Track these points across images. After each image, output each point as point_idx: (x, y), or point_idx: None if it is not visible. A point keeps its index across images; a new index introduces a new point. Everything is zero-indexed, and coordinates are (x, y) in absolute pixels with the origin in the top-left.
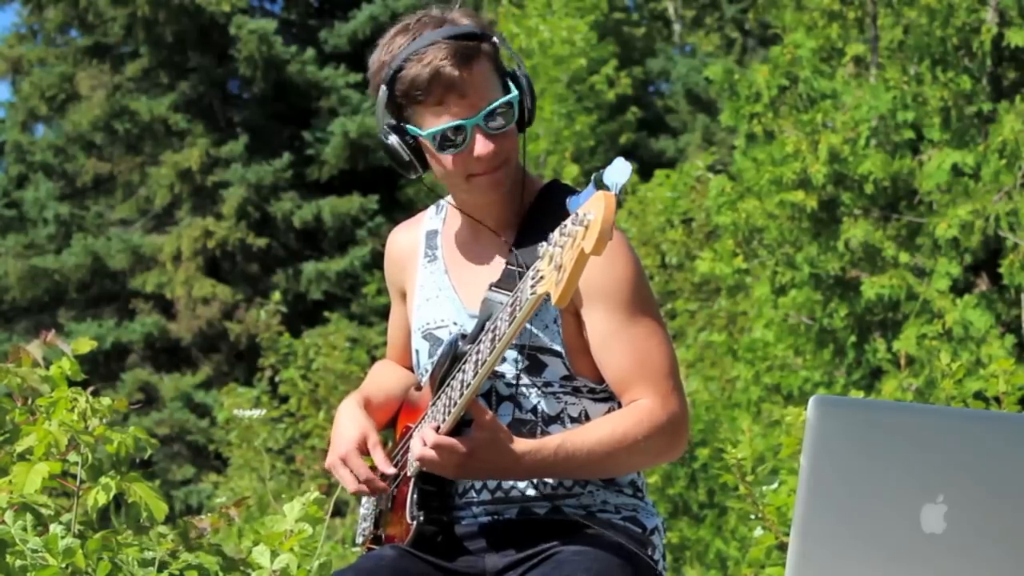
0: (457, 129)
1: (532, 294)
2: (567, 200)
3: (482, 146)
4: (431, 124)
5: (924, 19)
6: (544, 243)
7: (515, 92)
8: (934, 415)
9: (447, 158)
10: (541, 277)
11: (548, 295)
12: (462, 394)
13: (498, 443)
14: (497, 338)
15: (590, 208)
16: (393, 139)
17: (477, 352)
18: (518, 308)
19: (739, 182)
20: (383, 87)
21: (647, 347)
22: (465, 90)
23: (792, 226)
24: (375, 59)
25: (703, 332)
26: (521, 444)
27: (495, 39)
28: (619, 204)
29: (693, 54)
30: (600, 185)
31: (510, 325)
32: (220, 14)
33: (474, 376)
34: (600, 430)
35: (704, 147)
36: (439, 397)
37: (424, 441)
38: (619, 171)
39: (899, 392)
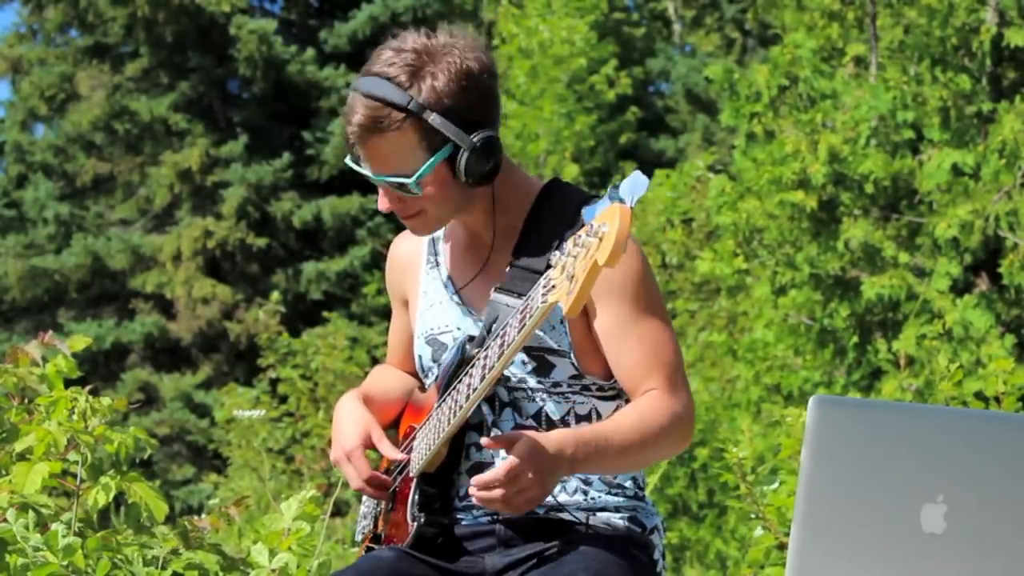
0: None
1: (543, 302)
2: (582, 210)
3: (382, 202)
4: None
5: (924, 19)
6: (557, 252)
7: (415, 177)
8: (934, 415)
9: None
10: (553, 286)
11: (559, 304)
12: (468, 397)
13: (540, 445)
14: (506, 344)
15: (605, 219)
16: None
17: (485, 357)
18: (528, 316)
19: (739, 182)
20: None
21: (657, 341)
22: (367, 155)
23: (792, 226)
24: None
25: (703, 332)
26: (559, 437)
27: (428, 115)
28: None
29: (693, 54)
30: (616, 197)
31: (519, 332)
32: (220, 14)
33: (481, 381)
34: (629, 423)
35: (704, 147)
36: (444, 400)
37: (496, 481)
38: (636, 184)
39: (899, 392)
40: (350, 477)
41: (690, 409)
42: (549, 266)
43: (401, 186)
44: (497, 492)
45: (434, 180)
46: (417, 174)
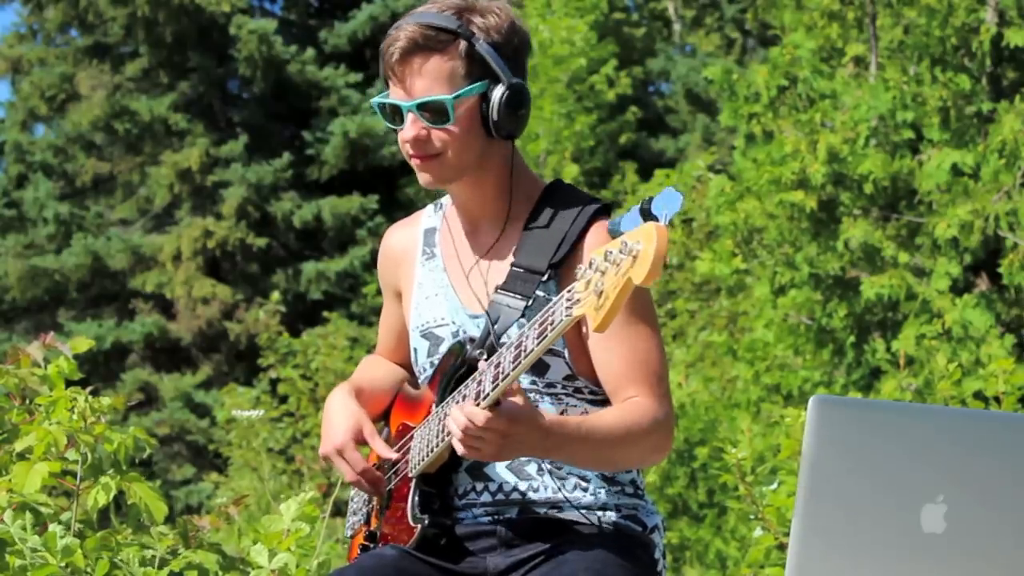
0: (395, 108)
1: (567, 316)
2: (609, 223)
3: (407, 131)
4: (390, 93)
5: (923, 19)
6: (582, 265)
7: (453, 95)
8: (934, 415)
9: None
10: (578, 300)
11: (584, 319)
12: (477, 404)
13: (530, 414)
14: (523, 355)
15: (639, 238)
16: (379, 96)
17: (497, 365)
18: (549, 328)
19: (739, 182)
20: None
21: (645, 349)
22: (405, 76)
23: (791, 226)
24: None
25: (703, 332)
26: (548, 417)
27: (476, 40)
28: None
29: (693, 54)
30: (647, 214)
31: (539, 344)
32: (220, 14)
33: (493, 388)
34: (612, 416)
35: (704, 147)
36: (447, 403)
37: (471, 421)
38: (670, 201)
39: (898, 392)
40: (343, 471)
41: (670, 420)
42: (552, 265)
43: (435, 112)
44: (463, 423)
45: (466, 114)
46: (457, 93)
